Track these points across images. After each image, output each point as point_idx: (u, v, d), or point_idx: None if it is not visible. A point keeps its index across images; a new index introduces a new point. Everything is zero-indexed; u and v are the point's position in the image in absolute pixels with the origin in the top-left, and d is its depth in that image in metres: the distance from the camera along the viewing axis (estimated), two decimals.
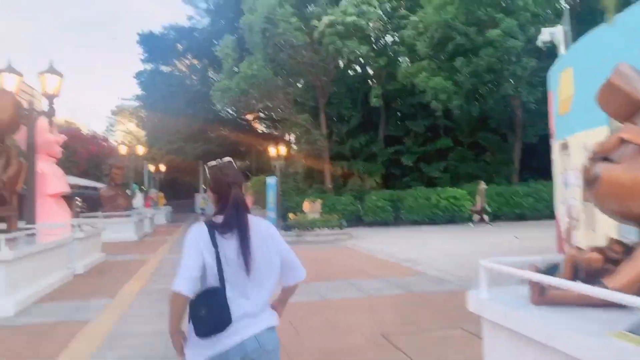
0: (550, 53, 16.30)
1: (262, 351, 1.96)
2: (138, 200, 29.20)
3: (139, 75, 36.67)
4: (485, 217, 17.79)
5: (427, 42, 17.28)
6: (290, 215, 14.91)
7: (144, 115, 42.18)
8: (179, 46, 37.11)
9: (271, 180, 22.68)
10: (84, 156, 32.07)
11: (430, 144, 23.38)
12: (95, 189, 23.86)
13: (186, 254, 1.93)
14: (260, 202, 25.98)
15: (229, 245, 1.96)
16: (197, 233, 1.98)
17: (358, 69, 27.32)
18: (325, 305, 6.04)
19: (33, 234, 8.42)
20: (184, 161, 44.31)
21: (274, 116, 40.77)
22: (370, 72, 25.05)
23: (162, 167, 34.14)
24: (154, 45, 35.67)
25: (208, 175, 2.07)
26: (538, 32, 15.59)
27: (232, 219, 1.98)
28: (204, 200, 34.85)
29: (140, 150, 22.15)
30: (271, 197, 22.46)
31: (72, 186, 24.18)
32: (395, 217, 20.18)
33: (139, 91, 38.28)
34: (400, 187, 23.20)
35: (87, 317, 5.58)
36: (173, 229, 23.03)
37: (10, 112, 7.37)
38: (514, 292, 2.30)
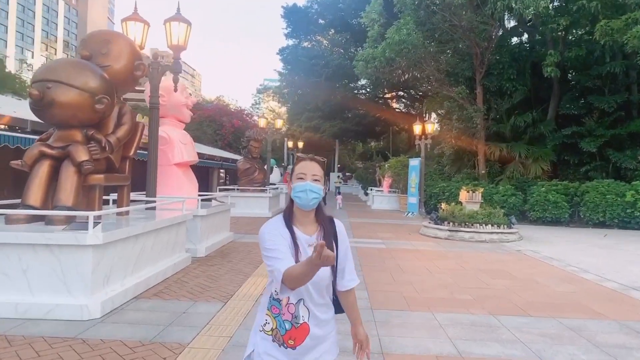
0: None
1: None
2: (275, 175, 29.08)
3: (282, 51, 36.69)
4: None
5: None
6: (443, 205, 12.29)
7: (286, 92, 42.52)
8: (321, 20, 36.12)
9: (414, 162, 20.10)
10: (229, 130, 33.14)
11: (621, 125, 18.41)
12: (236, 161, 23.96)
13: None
14: (399, 185, 23.63)
15: None
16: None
17: (525, 35, 23.04)
18: None
19: (152, 208, 7.31)
20: (321, 139, 43.93)
21: (414, 94, 37.93)
22: (541, 36, 20.69)
23: (300, 144, 33.65)
24: (297, 19, 35.18)
25: (320, 165, 1.91)
26: None
27: None
28: (338, 179, 33.86)
29: (279, 123, 21.22)
30: (413, 180, 19.93)
31: (216, 158, 24.71)
32: (571, 215, 16.21)
33: (281, 68, 38.52)
34: (576, 178, 18.85)
35: (184, 337, 3.92)
36: None
37: (126, 61, 6.11)
38: None
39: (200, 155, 22.25)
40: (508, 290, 6.17)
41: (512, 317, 4.90)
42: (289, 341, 1.83)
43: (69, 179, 5.15)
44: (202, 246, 7.84)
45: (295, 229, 1.85)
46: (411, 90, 37.87)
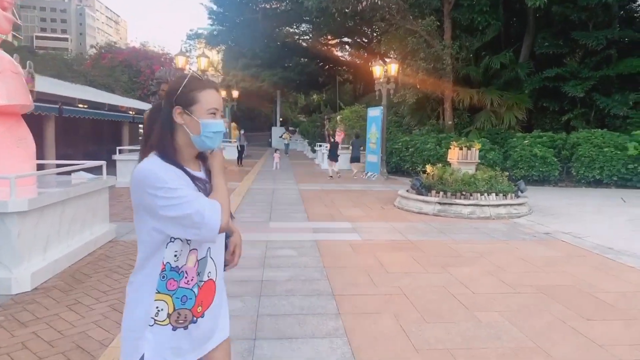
0: None
1: None
2: None
3: None
4: None
5: None
6: (428, 168, 9.04)
7: (217, 34, 37.22)
8: None
9: (375, 112, 16.58)
10: (149, 77, 28.00)
11: (609, 67, 15.89)
12: None
13: None
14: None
15: None
16: None
17: None
18: None
19: None
20: (260, 89, 39.42)
21: (359, 40, 34.23)
22: None
23: (235, 93, 29.02)
24: None
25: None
26: None
27: None
28: (287, 133, 30.06)
29: (204, 63, 16.78)
30: (373, 134, 16.54)
31: (130, 110, 19.91)
32: (560, 173, 13.69)
33: (213, 7, 33.08)
34: (553, 128, 16.42)
35: None
36: (245, 167, 18.16)
37: None
38: None
39: (103, 105, 17.62)
40: None
41: None
42: (198, 308, 1.46)
43: None
44: (23, 272, 4.01)
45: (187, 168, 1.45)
46: (356, 37, 34.22)
